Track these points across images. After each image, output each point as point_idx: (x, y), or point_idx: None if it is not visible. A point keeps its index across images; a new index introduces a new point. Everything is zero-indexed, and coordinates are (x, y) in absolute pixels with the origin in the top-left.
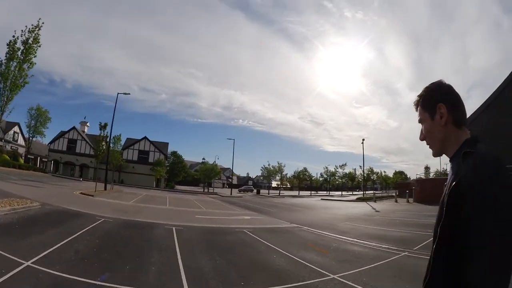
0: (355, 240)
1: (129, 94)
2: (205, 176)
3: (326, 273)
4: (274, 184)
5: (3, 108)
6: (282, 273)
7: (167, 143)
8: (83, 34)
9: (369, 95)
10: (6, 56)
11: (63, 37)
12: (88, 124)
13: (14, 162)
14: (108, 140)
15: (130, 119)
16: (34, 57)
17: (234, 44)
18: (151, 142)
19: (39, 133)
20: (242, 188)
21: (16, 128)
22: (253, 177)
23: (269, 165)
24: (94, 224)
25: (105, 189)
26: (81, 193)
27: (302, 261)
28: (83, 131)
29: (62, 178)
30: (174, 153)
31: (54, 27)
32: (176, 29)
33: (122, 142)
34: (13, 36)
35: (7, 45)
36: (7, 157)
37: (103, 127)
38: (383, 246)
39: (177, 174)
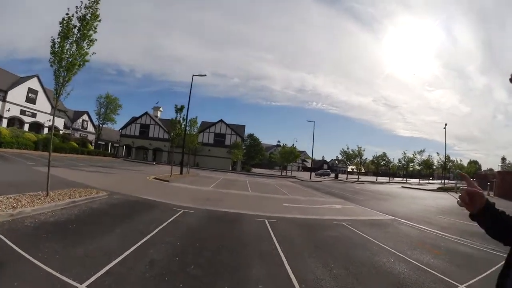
0: (460, 238)
1: (205, 75)
2: (284, 159)
3: (453, 282)
4: (349, 168)
5: (60, 90)
6: (411, 283)
7: (244, 126)
8: (150, 25)
9: (441, 78)
10: (59, 35)
11: (129, 29)
12: (161, 109)
13: (82, 148)
14: (184, 123)
15: (204, 104)
16: (94, 33)
17: (302, 25)
18: (227, 125)
19: (109, 119)
20: (319, 172)
21: (85, 116)
22: (328, 161)
23: (348, 148)
24: (173, 217)
25: (181, 173)
26: (155, 178)
27: (422, 266)
28: (156, 116)
29: (134, 162)
30: (251, 136)
31: (118, 20)
32: (243, 13)
33: (198, 125)
34: (67, 14)
35: (60, 23)
36: (75, 144)
37: (179, 109)
38: (489, 247)
39: (253, 157)
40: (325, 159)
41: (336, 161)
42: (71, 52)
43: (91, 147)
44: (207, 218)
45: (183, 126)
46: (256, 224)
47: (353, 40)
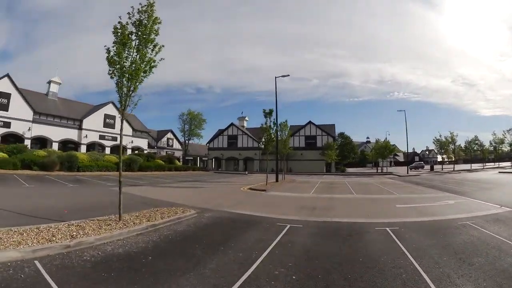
0: None
1: (288, 75)
2: (379, 155)
3: None
4: (439, 158)
5: (125, 102)
6: None
7: (333, 125)
8: (218, 42)
9: (509, 43)
10: (114, 43)
11: (197, 50)
12: (246, 118)
13: (169, 165)
14: (275, 127)
15: (287, 110)
16: (156, 35)
17: (368, 16)
18: (317, 126)
19: (195, 135)
20: (413, 165)
21: (169, 135)
22: (419, 152)
23: (440, 136)
24: (279, 237)
25: (277, 180)
26: (250, 188)
27: None
28: (243, 126)
29: (225, 174)
30: (341, 134)
31: (185, 44)
32: (305, 14)
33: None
34: (119, 23)
35: (113, 32)
36: (161, 161)
37: (268, 114)
38: None
39: (346, 156)
40: (415, 150)
41: (427, 152)
42: (132, 59)
43: (179, 163)
44: (320, 234)
45: (274, 130)
46: (379, 235)
47: (418, 20)
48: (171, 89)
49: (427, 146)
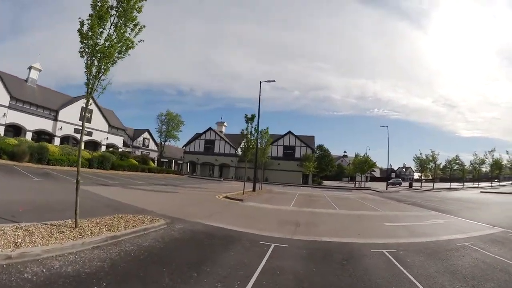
0: None
1: (274, 81)
2: (358, 169)
3: None
4: (415, 176)
5: (93, 85)
6: None
7: (313, 137)
8: (203, 44)
9: (495, 67)
10: (90, 16)
11: (184, 50)
12: (225, 124)
13: (143, 166)
14: (257, 134)
15: (266, 119)
16: (139, 13)
17: (354, 31)
18: (297, 137)
19: (172, 136)
20: (391, 181)
21: (145, 134)
22: (396, 169)
23: (421, 154)
24: (263, 260)
25: (254, 189)
26: (226, 197)
27: None
28: (221, 131)
29: (200, 179)
30: (320, 147)
31: (173, 42)
32: (294, 24)
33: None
34: None
35: (91, 3)
36: (135, 161)
37: (250, 119)
38: None
39: (324, 168)
40: (392, 167)
41: (404, 169)
42: (107, 36)
43: (153, 165)
44: (310, 257)
45: (254, 137)
46: (378, 260)
47: (405, 40)
48: (152, 88)
49: (404, 163)
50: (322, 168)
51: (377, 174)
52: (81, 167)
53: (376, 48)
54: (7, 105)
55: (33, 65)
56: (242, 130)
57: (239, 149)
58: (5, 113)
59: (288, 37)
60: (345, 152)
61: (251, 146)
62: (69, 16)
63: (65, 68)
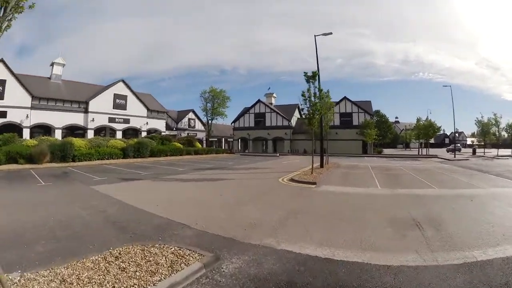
0: None
1: (331, 33)
2: (423, 135)
3: None
4: (468, 141)
5: None
6: None
7: (370, 102)
8: (242, 24)
9: None
10: None
11: (222, 32)
12: (274, 95)
13: (188, 148)
14: (320, 95)
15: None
16: None
17: None
18: (353, 103)
19: (219, 114)
20: (451, 147)
21: (190, 115)
22: (449, 134)
23: (482, 117)
24: None
25: (322, 165)
26: (291, 179)
27: None
28: (271, 103)
29: (253, 156)
30: (377, 113)
31: (210, 24)
32: None
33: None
34: None
35: None
36: (178, 144)
37: (311, 77)
38: None
39: (383, 136)
40: (445, 132)
41: (457, 134)
42: None
43: (199, 146)
44: None
45: (316, 99)
46: None
47: (446, 2)
48: (194, 71)
49: (456, 128)
50: (381, 135)
51: (430, 140)
52: (114, 159)
53: (414, 10)
54: (30, 106)
55: (55, 61)
56: (303, 92)
57: (292, 120)
58: (27, 115)
59: (326, 6)
60: (396, 118)
61: (316, 111)
62: (99, 18)
63: (102, 64)
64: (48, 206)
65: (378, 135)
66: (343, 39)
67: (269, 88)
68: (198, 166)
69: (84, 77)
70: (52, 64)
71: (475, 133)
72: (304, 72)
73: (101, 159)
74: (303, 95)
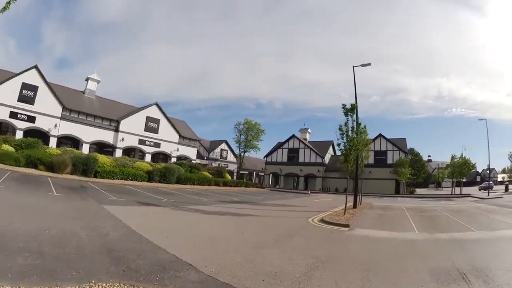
0: None
1: (370, 64)
2: (458, 173)
3: None
4: (499, 178)
5: None
6: None
7: (405, 139)
8: (277, 57)
9: None
10: None
11: (259, 64)
12: (309, 130)
13: (217, 179)
14: (357, 129)
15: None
16: None
17: (421, 27)
18: (388, 140)
19: (252, 146)
20: (483, 185)
21: (223, 146)
22: (480, 171)
23: None
24: None
25: (355, 206)
26: (322, 220)
27: None
28: (305, 139)
29: (283, 192)
30: (411, 151)
31: (245, 59)
32: (362, 29)
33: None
34: None
35: None
36: (207, 173)
37: (350, 110)
38: None
39: (416, 175)
40: (477, 170)
41: (488, 171)
42: None
43: (229, 177)
44: None
45: (354, 134)
46: None
47: (473, 30)
48: (230, 103)
49: (488, 165)
50: (415, 175)
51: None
52: (138, 181)
53: (446, 43)
54: (59, 115)
55: (90, 76)
56: (340, 126)
57: (326, 157)
58: (56, 124)
59: (358, 44)
60: (429, 156)
61: (353, 147)
62: (141, 41)
63: (139, 87)
64: (49, 218)
65: (412, 174)
66: (377, 76)
67: (305, 124)
68: (224, 198)
69: (119, 97)
70: (87, 79)
71: (506, 169)
72: (343, 105)
73: (124, 179)
74: (340, 129)
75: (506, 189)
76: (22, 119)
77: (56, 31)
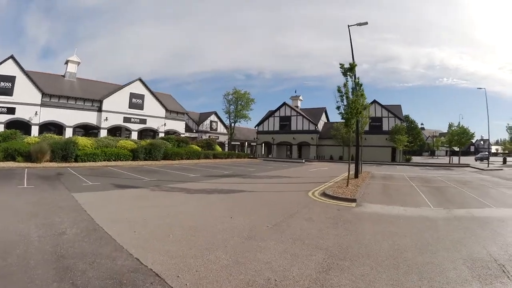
0: None
1: (366, 23)
2: (456, 142)
3: None
4: (493, 149)
5: None
6: None
7: (399, 106)
8: (268, 29)
9: None
10: None
11: (248, 36)
12: (300, 97)
13: (206, 151)
14: (358, 88)
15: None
16: None
17: None
18: (383, 106)
19: (242, 116)
20: (479, 156)
21: (212, 117)
22: (474, 142)
23: None
24: None
25: (356, 176)
26: (323, 194)
27: None
28: (297, 106)
29: (277, 162)
30: (407, 118)
31: (236, 29)
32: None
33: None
34: None
35: None
36: (196, 147)
37: (349, 70)
38: None
39: (413, 142)
40: (471, 140)
41: (481, 142)
42: None
43: (219, 149)
44: None
45: (354, 95)
46: None
47: (465, 2)
48: (220, 75)
49: (481, 136)
50: (411, 142)
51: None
52: (122, 160)
53: (438, 12)
54: (39, 103)
55: (69, 59)
56: (339, 87)
57: (319, 125)
58: (36, 112)
59: (352, 11)
60: (422, 124)
61: (355, 109)
62: (128, 20)
63: (127, 67)
64: (2, 218)
65: (409, 141)
66: (368, 44)
67: (296, 91)
68: (214, 172)
69: (107, 79)
70: (66, 62)
71: (499, 141)
72: (340, 64)
73: (107, 160)
74: (339, 90)
75: (504, 161)
76: (2, 112)
77: (38, 22)
